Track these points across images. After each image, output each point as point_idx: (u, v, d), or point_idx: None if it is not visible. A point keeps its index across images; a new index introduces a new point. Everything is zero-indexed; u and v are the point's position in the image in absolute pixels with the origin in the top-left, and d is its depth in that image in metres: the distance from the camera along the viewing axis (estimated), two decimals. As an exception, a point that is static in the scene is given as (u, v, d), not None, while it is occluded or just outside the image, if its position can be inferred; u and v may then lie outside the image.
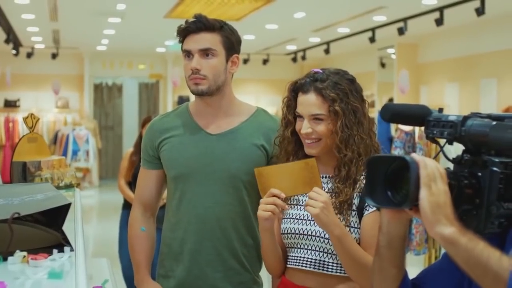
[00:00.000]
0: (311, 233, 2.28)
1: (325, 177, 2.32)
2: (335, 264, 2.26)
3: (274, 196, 2.16)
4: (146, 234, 2.69)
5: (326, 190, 2.26)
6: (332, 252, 2.24)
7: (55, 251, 1.69)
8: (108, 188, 15.00)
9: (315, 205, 2.08)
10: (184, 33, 2.52)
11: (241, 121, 2.60)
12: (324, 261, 2.27)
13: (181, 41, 2.55)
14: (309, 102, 2.26)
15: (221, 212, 2.53)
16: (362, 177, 2.22)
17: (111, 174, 16.12)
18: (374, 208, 2.15)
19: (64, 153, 14.26)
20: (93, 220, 12.27)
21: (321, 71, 2.32)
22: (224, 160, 2.53)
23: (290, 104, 2.35)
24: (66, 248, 1.73)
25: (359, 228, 2.23)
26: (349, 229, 2.22)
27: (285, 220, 2.34)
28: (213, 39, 2.50)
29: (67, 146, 14.46)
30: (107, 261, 3.67)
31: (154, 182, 2.69)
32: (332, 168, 2.31)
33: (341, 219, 2.21)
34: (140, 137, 5.64)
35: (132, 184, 5.49)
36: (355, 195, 2.24)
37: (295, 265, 2.32)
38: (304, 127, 2.26)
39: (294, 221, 2.32)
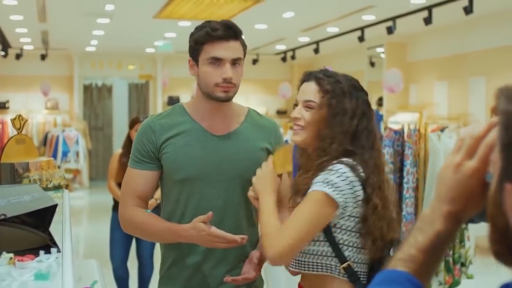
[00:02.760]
0: None
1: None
2: (312, 264, 2.26)
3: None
4: (154, 214, 2.64)
5: None
6: (306, 251, 2.26)
7: (41, 252, 1.69)
8: (98, 189, 14.97)
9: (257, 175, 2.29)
10: (212, 38, 2.47)
11: (240, 121, 2.62)
12: (302, 261, 2.29)
13: (200, 44, 2.49)
14: (306, 89, 2.32)
15: (230, 212, 2.54)
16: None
17: (102, 175, 16.08)
18: (312, 189, 2.16)
19: (54, 155, 14.22)
20: (83, 221, 12.24)
21: (330, 68, 2.38)
22: (231, 161, 2.54)
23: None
24: (53, 250, 1.73)
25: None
26: None
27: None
28: (240, 47, 2.51)
29: (57, 147, 14.41)
30: (97, 262, 3.66)
31: (150, 183, 2.60)
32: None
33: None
34: (128, 138, 5.61)
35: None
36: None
37: (290, 266, 2.36)
38: (295, 112, 2.32)
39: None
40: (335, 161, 2.18)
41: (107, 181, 5.97)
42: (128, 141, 5.54)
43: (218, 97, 2.49)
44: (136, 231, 2.67)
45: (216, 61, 2.47)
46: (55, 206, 1.85)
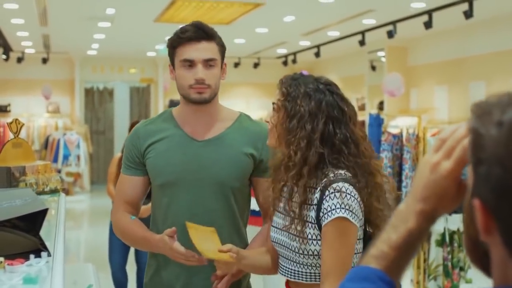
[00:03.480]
0: (282, 242, 2.25)
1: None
2: (309, 274, 2.20)
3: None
4: (137, 220, 2.62)
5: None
6: (303, 263, 2.19)
7: (32, 256, 1.69)
8: (99, 192, 14.97)
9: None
10: (182, 40, 2.49)
11: (226, 126, 2.60)
12: (298, 271, 2.22)
13: (173, 48, 2.52)
14: (275, 93, 2.29)
15: (211, 219, 2.50)
16: (317, 192, 2.14)
17: (103, 178, 16.08)
18: (327, 220, 2.08)
19: (55, 158, 14.23)
20: (84, 225, 12.25)
21: (305, 73, 2.34)
22: (212, 167, 2.52)
23: None
24: (44, 254, 1.73)
25: (319, 239, 2.14)
26: (307, 241, 2.15)
27: (271, 227, 2.34)
28: (213, 48, 2.51)
29: (58, 150, 14.42)
30: (93, 266, 3.68)
31: (139, 188, 2.63)
32: None
33: (293, 231, 2.18)
34: None
35: None
36: (309, 207, 2.15)
37: (281, 273, 2.32)
38: (268, 115, 2.30)
39: (272, 229, 2.32)
40: (331, 175, 2.10)
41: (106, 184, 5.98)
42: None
43: (193, 98, 2.50)
44: (121, 236, 2.68)
45: (188, 62, 2.48)
46: (45, 210, 1.85)
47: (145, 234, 2.53)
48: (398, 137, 5.53)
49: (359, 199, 2.09)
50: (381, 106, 12.88)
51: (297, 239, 2.16)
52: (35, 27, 11.49)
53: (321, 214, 2.10)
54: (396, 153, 5.54)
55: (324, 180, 2.12)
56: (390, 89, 10.23)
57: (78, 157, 14.68)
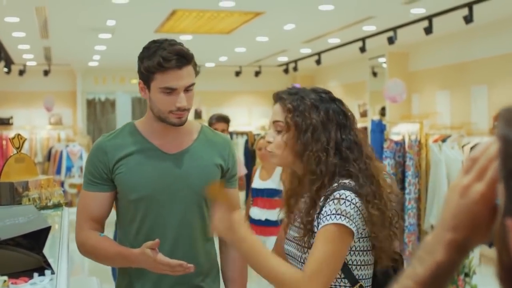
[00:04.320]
0: (293, 255, 2.25)
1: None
2: None
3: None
4: (107, 237, 2.55)
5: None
6: None
7: (35, 274, 1.69)
8: (103, 203, 14.93)
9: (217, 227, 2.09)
10: (163, 69, 2.41)
11: (193, 139, 2.61)
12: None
13: (151, 73, 2.43)
14: (274, 111, 2.26)
15: (187, 230, 2.52)
16: (321, 200, 2.12)
17: (106, 189, 16.07)
18: (322, 224, 2.07)
19: (58, 170, 14.23)
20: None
21: (298, 85, 2.32)
22: (185, 179, 2.52)
23: None
24: (47, 271, 1.74)
25: None
26: (308, 250, 2.15)
27: (286, 240, 2.34)
28: (192, 72, 2.48)
29: (61, 162, 14.42)
30: (97, 280, 3.68)
31: (105, 204, 2.56)
32: None
33: (303, 243, 2.16)
34: None
35: None
36: (315, 217, 2.14)
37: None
38: (268, 135, 2.26)
39: (286, 241, 2.32)
40: (335, 185, 2.10)
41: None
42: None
43: (172, 122, 2.48)
44: (89, 255, 2.55)
45: (170, 90, 2.43)
46: (49, 228, 1.85)
47: (119, 249, 2.46)
48: (400, 144, 5.52)
49: (361, 207, 2.07)
50: (383, 112, 12.88)
51: (306, 250, 2.15)
52: (36, 39, 11.52)
53: (318, 220, 2.10)
54: (399, 160, 5.54)
55: (329, 189, 2.12)
56: (392, 95, 10.22)
57: (81, 169, 14.68)
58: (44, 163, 14.71)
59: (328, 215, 2.05)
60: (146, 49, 2.48)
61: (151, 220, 2.51)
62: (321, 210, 2.09)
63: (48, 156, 14.73)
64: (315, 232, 2.12)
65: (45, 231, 1.87)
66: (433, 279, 0.97)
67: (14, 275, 1.71)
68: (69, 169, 14.48)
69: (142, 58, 2.48)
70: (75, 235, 2.54)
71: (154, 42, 2.49)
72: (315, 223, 2.13)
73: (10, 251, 1.76)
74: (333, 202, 2.06)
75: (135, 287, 2.56)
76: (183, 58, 2.43)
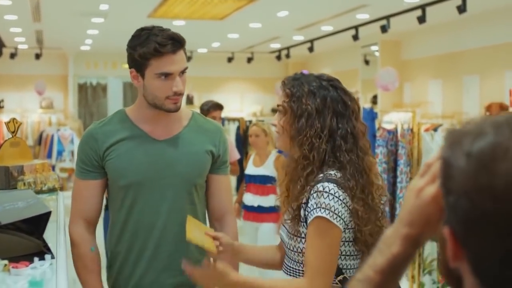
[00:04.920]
0: (282, 238, 2.28)
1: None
2: (301, 272, 2.20)
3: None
4: (97, 254, 2.59)
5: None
6: (297, 260, 2.19)
7: (36, 259, 1.70)
8: (93, 188, 14.93)
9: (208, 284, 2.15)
10: (159, 54, 2.40)
11: (183, 125, 2.61)
12: (296, 269, 2.22)
13: (146, 59, 2.42)
14: (278, 95, 2.28)
15: (176, 216, 2.52)
16: (309, 188, 2.14)
17: (97, 174, 16.06)
18: (309, 219, 2.09)
19: (49, 154, 14.19)
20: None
21: (306, 72, 2.34)
22: (175, 165, 2.53)
23: None
24: (47, 256, 1.75)
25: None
26: (300, 239, 2.16)
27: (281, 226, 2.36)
28: (184, 56, 2.48)
29: (52, 146, 14.37)
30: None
31: (97, 193, 2.58)
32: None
33: (290, 229, 2.20)
34: None
35: None
36: (302, 205, 2.15)
37: (283, 270, 2.32)
38: (274, 117, 2.30)
39: (280, 226, 2.34)
40: (320, 175, 2.11)
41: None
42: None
43: (169, 109, 2.48)
44: (76, 261, 2.57)
45: (166, 75, 2.42)
46: (49, 213, 1.86)
47: (97, 284, 2.54)
48: (393, 132, 5.54)
49: (345, 200, 2.08)
50: (374, 100, 12.92)
51: (292, 237, 2.18)
52: (28, 23, 11.46)
53: (306, 212, 2.12)
54: (391, 148, 5.56)
55: (315, 180, 2.13)
56: (384, 83, 10.25)
57: (72, 153, 14.65)
58: (35, 147, 14.66)
59: (313, 209, 2.07)
60: (136, 37, 2.46)
61: (140, 206, 2.52)
62: (307, 202, 2.11)
63: (39, 140, 14.69)
64: (302, 221, 2.14)
65: (45, 216, 1.88)
66: (390, 269, 1.09)
67: (14, 259, 1.72)
68: (60, 153, 14.44)
69: (134, 46, 2.46)
70: (69, 225, 2.56)
71: (142, 29, 2.47)
72: (301, 213, 2.14)
73: (11, 235, 1.78)
74: (316, 194, 2.07)
75: (124, 272, 2.57)
76: (177, 42, 2.43)
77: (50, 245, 1.88)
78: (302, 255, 2.15)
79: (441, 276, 1.22)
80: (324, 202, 2.05)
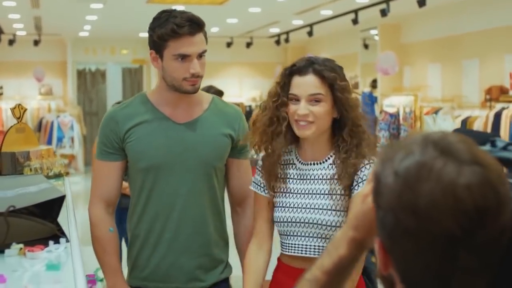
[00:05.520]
0: (310, 220, 2.32)
1: (317, 163, 2.37)
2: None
3: None
4: (116, 236, 2.62)
5: (325, 177, 2.32)
6: (331, 237, 2.28)
7: (51, 242, 1.72)
8: (94, 174, 14.94)
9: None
10: (177, 35, 2.44)
11: (203, 109, 2.63)
12: (325, 246, 2.27)
13: (164, 40, 2.46)
14: (308, 83, 2.30)
15: (196, 199, 2.56)
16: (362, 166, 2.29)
17: (97, 160, 16.05)
18: (360, 188, 2.22)
19: (49, 140, 14.21)
20: (80, 206, 12.24)
21: (311, 55, 2.39)
22: (195, 148, 2.55)
23: (285, 86, 2.37)
24: (62, 239, 1.77)
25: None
26: (341, 213, 2.25)
27: (278, 208, 2.38)
28: (203, 39, 2.51)
29: (52, 133, 14.40)
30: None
31: (117, 175, 2.61)
32: (324, 154, 2.36)
33: (335, 205, 2.28)
34: None
35: None
36: (354, 183, 2.27)
37: (295, 252, 2.35)
38: (302, 108, 2.29)
39: (288, 209, 2.36)
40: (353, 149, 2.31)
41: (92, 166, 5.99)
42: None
43: (186, 90, 2.50)
44: (94, 241, 2.63)
45: (184, 56, 2.45)
46: (63, 197, 1.88)
47: (116, 266, 2.59)
48: (395, 116, 5.57)
49: None
50: (374, 84, 12.91)
51: (340, 213, 2.27)
52: (27, 9, 11.42)
53: (359, 184, 2.25)
54: (393, 132, 5.60)
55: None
56: (384, 67, 10.25)
57: (72, 139, 14.68)
58: (35, 134, 14.68)
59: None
60: (157, 19, 2.51)
61: (160, 189, 2.55)
62: (357, 173, 2.26)
63: (39, 127, 14.69)
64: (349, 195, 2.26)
65: (59, 200, 1.90)
66: (337, 270, 1.15)
67: (29, 243, 1.74)
68: (60, 139, 14.46)
69: (153, 27, 2.50)
70: (88, 207, 2.61)
71: (163, 12, 2.52)
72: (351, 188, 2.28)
73: (25, 219, 1.80)
74: (367, 167, 2.26)
75: (144, 254, 2.60)
76: (196, 24, 2.46)
77: (63, 227, 1.90)
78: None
79: (380, 281, 1.29)
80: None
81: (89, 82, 17.34)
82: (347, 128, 2.31)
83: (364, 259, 2.20)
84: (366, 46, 13.63)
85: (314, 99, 2.29)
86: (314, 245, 2.31)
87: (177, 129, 2.57)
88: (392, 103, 7.96)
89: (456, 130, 1.55)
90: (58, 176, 3.49)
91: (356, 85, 13.55)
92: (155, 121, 2.57)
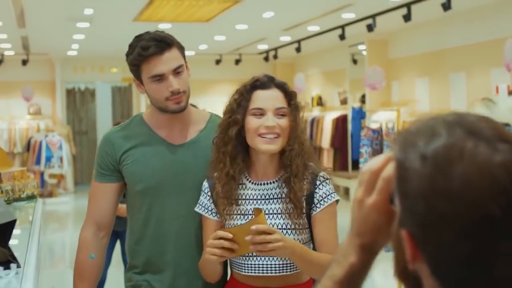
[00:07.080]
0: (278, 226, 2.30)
1: (269, 183, 2.33)
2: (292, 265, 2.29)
3: (221, 238, 2.13)
4: (96, 263, 2.57)
5: (275, 196, 2.29)
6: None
7: (0, 268, 1.67)
8: (83, 193, 14.88)
9: (276, 246, 2.07)
10: (145, 58, 2.43)
11: (199, 129, 2.61)
12: (286, 264, 2.29)
13: (136, 66, 2.46)
14: (273, 96, 2.31)
15: (193, 221, 2.52)
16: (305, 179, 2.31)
17: (87, 179, 16.00)
18: (324, 205, 2.28)
19: (38, 160, 14.16)
20: (69, 226, 12.18)
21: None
22: (191, 170, 2.54)
23: (242, 103, 2.35)
24: (13, 265, 1.72)
25: (308, 228, 2.32)
26: (297, 231, 2.24)
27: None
28: (176, 54, 2.48)
29: (40, 153, 14.34)
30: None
31: (112, 196, 2.61)
32: (275, 172, 2.34)
33: (290, 223, 2.25)
34: None
35: None
36: (316, 201, 2.31)
37: (256, 272, 2.31)
38: (270, 120, 2.27)
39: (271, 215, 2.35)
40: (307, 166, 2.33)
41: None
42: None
43: (172, 109, 2.49)
44: (76, 266, 2.58)
45: (158, 77, 2.44)
46: (14, 221, 1.83)
47: None
48: (378, 131, 5.54)
49: None
50: (363, 99, 12.91)
51: (295, 231, 2.29)
52: (13, 29, 11.40)
53: (315, 201, 2.30)
54: (376, 148, 5.56)
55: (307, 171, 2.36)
56: (372, 82, 10.26)
57: (61, 159, 14.61)
58: (23, 154, 14.61)
59: (329, 194, 2.29)
60: (130, 46, 2.51)
61: (157, 211, 2.54)
62: (314, 191, 2.29)
63: (27, 147, 14.63)
64: (304, 212, 2.29)
65: (11, 225, 1.85)
66: (349, 278, 1.10)
67: (-21, 269, 1.69)
68: (48, 159, 14.39)
69: (127, 55, 2.51)
70: (81, 228, 2.60)
71: (136, 37, 2.51)
72: (304, 205, 2.30)
73: (-25, 245, 1.75)
74: (325, 182, 2.30)
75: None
76: (161, 42, 2.44)
77: (18, 254, 1.85)
78: (309, 244, 2.30)
79: (397, 279, 1.21)
80: (332, 187, 2.31)
81: (78, 101, 17.29)
82: (296, 145, 2.30)
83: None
84: (354, 61, 13.64)
85: (280, 113, 2.29)
86: (276, 264, 2.29)
87: (173, 151, 2.56)
88: (379, 118, 7.97)
89: None
90: (30, 197, 3.45)
91: (345, 101, 13.55)
92: (151, 143, 2.57)
